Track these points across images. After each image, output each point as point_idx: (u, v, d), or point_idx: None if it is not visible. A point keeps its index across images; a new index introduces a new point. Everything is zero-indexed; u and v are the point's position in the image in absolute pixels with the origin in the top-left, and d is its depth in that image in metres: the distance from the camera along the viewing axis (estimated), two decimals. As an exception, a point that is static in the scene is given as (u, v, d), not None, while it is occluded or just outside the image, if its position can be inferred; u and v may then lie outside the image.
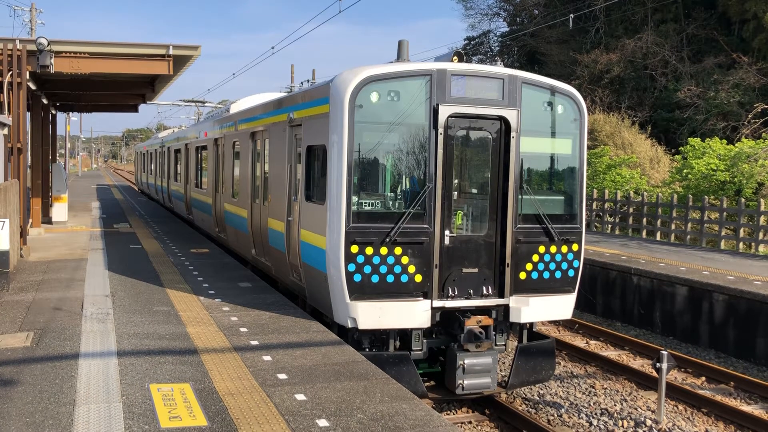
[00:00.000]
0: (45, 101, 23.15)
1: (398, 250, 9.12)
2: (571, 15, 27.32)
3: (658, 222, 22.71)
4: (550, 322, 14.95)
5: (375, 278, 9.06)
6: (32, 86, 17.95)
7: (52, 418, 6.10)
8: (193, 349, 8.26)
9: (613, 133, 31.13)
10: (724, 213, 20.38)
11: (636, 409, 10.45)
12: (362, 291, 9.02)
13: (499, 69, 9.80)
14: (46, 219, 22.63)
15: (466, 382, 9.40)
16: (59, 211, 22.67)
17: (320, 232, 9.49)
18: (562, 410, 10.46)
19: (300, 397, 6.74)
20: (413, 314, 9.18)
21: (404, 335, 9.50)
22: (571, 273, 10.13)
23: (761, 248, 19.47)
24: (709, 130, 29.38)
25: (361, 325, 9.06)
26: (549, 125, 10.13)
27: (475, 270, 9.59)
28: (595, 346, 14.03)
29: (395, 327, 9.28)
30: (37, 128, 22.25)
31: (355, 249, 8.97)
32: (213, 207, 17.84)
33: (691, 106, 31.21)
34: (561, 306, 10.17)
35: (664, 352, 9.81)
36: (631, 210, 23.71)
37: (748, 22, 32.18)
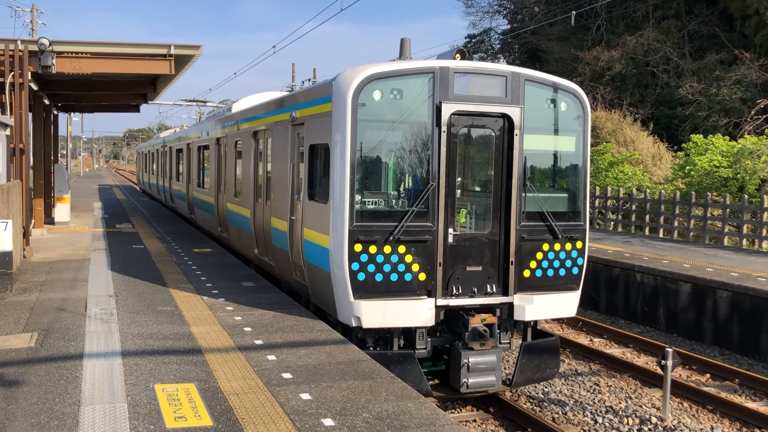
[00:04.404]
0: (47, 102, 23.15)
1: (402, 249, 9.10)
2: (573, 12, 27.29)
3: (661, 219, 22.68)
4: (554, 319, 14.91)
5: (379, 277, 9.04)
6: (34, 87, 17.93)
7: (57, 419, 6.10)
8: (198, 348, 8.25)
9: (615, 130, 31.13)
10: (727, 210, 20.35)
11: (641, 406, 10.43)
12: (366, 290, 9.00)
13: (502, 66, 9.77)
14: (49, 219, 22.63)
15: (470, 380, 9.38)
16: (61, 211, 22.67)
17: (323, 231, 9.47)
18: (567, 408, 10.44)
19: (305, 396, 6.72)
20: (417, 313, 9.16)
21: (408, 334, 9.47)
22: (575, 271, 10.11)
23: (765, 245, 19.43)
24: (711, 127, 29.34)
25: (365, 324, 9.04)
26: (552, 122, 10.10)
27: (479, 268, 9.57)
28: (599, 343, 14.01)
29: (399, 326, 9.26)
30: (39, 129, 22.24)
31: (358, 248, 8.96)
32: (215, 206, 17.83)
33: (693, 102, 31.17)
34: (565, 304, 10.15)
35: (669, 350, 9.81)
36: (633, 207, 23.69)
37: (749, 18, 32.14)
